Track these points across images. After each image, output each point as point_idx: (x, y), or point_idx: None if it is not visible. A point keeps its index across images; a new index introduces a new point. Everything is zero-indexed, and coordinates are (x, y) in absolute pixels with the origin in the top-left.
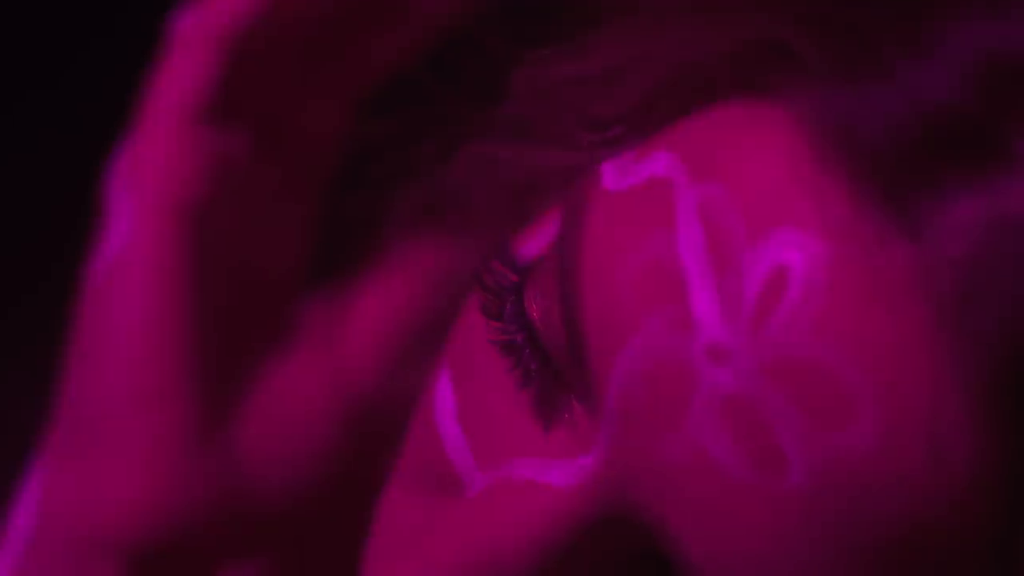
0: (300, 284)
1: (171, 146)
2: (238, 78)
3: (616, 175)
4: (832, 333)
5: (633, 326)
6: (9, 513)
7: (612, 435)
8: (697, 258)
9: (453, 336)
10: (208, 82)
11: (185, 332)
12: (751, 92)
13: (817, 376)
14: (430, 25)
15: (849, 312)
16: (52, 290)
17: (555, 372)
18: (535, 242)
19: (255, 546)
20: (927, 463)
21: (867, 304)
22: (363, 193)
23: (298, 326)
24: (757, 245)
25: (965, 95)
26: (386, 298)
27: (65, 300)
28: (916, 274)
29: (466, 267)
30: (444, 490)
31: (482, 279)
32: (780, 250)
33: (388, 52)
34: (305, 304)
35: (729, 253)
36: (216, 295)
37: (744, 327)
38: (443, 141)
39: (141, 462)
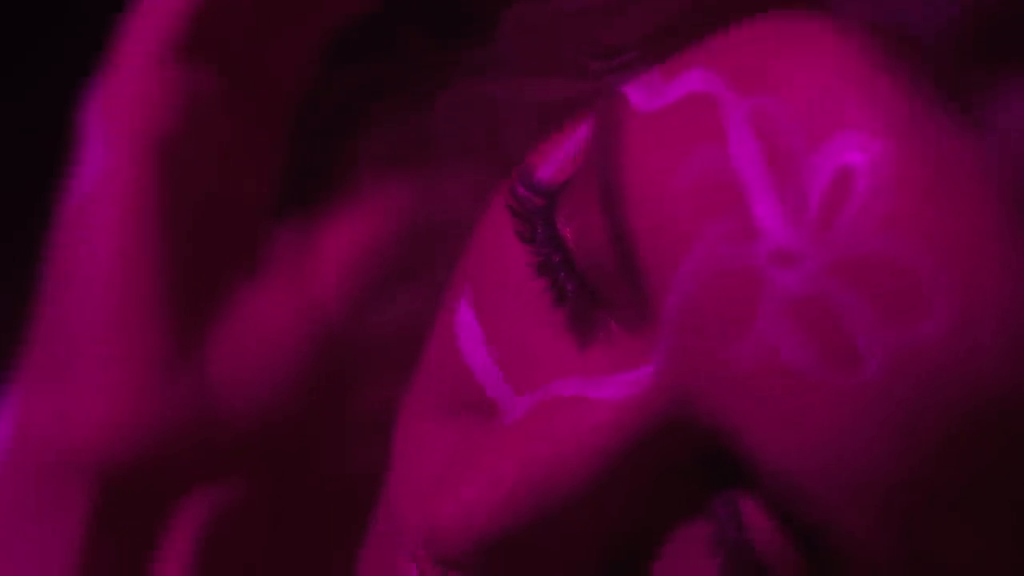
0: (270, 216)
1: (144, 82)
2: (208, 18)
3: (645, 96)
4: (902, 228)
5: (690, 239)
6: None
7: (672, 346)
8: (754, 169)
9: (470, 265)
10: (180, 21)
11: (157, 259)
12: (789, 5)
13: (889, 271)
14: None
15: (918, 206)
16: (28, 220)
17: (591, 291)
18: (552, 166)
19: (227, 470)
20: (1003, 350)
21: (936, 198)
22: (337, 136)
23: (269, 257)
24: (818, 150)
25: None
26: (357, 233)
27: (41, 230)
28: (982, 167)
29: (450, 208)
30: (477, 417)
31: (510, 204)
32: (842, 153)
33: None
34: (276, 236)
35: (789, 161)
36: (187, 224)
37: (810, 230)
38: (418, 86)
39: (114, 384)
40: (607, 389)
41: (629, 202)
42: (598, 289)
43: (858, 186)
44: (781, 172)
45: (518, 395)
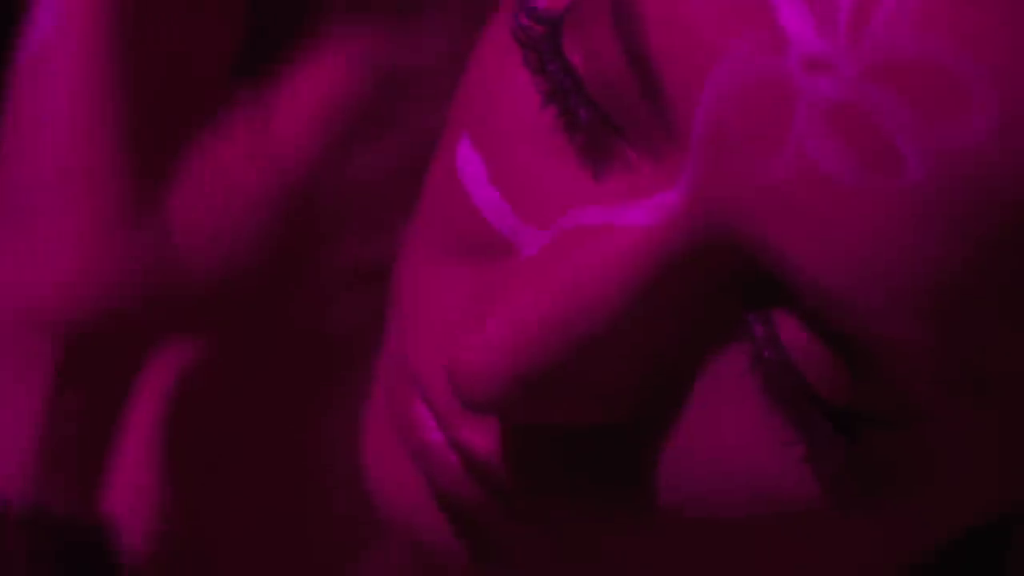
0: (232, 68)
1: None
2: None
3: None
4: (939, 27)
5: (716, 54)
6: None
7: (701, 165)
8: None
9: (469, 103)
10: None
11: (115, 111)
12: None
13: (926, 71)
14: None
15: (954, 4)
16: None
17: (603, 117)
18: None
19: (193, 325)
20: None
21: None
22: None
23: (230, 108)
24: None
25: None
26: (320, 83)
27: None
28: None
29: (421, 55)
30: (491, 256)
31: (515, 34)
32: None
33: None
34: (239, 88)
35: None
36: (146, 74)
37: (843, 34)
38: None
39: (74, 239)
40: (632, 215)
41: (646, 20)
42: (613, 114)
43: None
44: None
45: (534, 229)
